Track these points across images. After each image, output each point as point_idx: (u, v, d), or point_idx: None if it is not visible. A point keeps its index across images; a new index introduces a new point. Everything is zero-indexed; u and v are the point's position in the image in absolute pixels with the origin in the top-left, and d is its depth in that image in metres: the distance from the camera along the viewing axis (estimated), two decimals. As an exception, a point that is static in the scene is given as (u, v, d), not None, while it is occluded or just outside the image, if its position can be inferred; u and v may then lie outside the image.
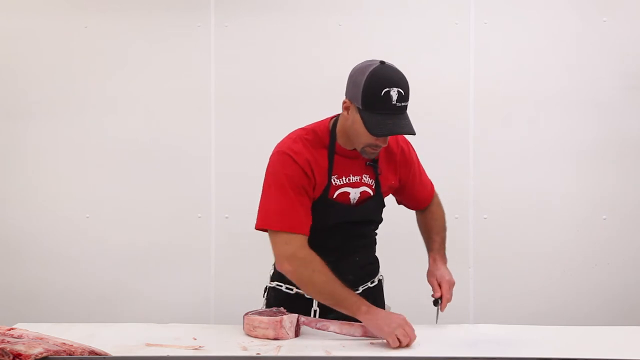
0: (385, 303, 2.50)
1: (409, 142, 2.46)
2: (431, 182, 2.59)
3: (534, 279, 3.58)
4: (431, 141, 3.57)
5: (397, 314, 2.14)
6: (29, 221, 3.68)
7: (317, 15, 3.59)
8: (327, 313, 2.28)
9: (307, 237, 2.17)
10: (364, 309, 2.11)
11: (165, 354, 1.98)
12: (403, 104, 2.10)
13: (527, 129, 3.57)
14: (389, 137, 2.19)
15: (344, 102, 2.19)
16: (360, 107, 2.12)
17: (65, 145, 3.66)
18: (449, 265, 2.47)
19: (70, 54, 3.65)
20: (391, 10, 3.58)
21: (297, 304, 2.31)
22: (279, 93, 3.58)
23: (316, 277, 2.14)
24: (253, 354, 2.00)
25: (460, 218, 3.57)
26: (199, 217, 3.63)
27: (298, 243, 2.16)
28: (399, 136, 2.40)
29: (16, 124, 3.67)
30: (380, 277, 2.50)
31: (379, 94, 2.08)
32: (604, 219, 3.57)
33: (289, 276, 2.20)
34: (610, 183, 3.56)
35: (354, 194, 2.30)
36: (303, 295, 2.31)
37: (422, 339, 2.12)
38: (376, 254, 2.51)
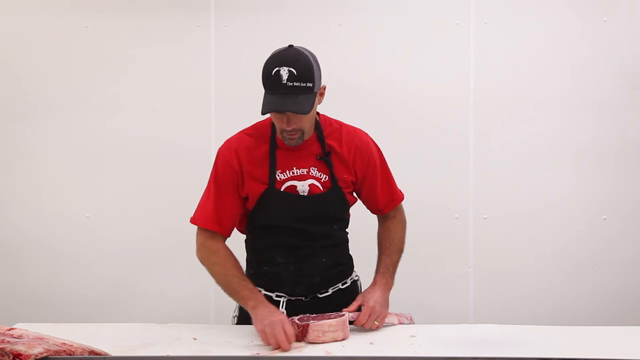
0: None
1: (371, 141, 2.37)
2: (400, 194, 2.43)
3: (534, 279, 3.58)
4: (431, 141, 3.58)
5: (279, 313, 2.13)
6: (29, 221, 3.68)
7: (317, 15, 3.59)
8: (295, 315, 2.25)
9: (218, 232, 2.26)
10: (250, 304, 2.17)
11: (165, 354, 1.98)
12: (295, 83, 2.07)
13: (527, 129, 3.57)
14: (291, 120, 2.13)
15: None
16: (264, 90, 2.13)
17: (65, 145, 3.66)
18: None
19: (70, 54, 3.65)
20: (391, 10, 3.58)
21: None
22: (279, 93, 3.58)
23: (215, 269, 2.26)
24: (253, 353, 2.01)
25: (460, 218, 3.57)
26: (199, 217, 3.62)
27: (207, 235, 2.27)
28: (354, 132, 2.33)
29: (16, 124, 3.67)
30: (355, 278, 2.43)
31: (270, 73, 2.09)
32: (604, 219, 3.57)
33: (201, 263, 2.31)
34: (610, 183, 3.56)
35: (302, 186, 2.25)
36: (271, 297, 2.29)
37: (422, 339, 2.12)
38: (350, 253, 2.44)
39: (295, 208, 2.26)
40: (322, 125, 2.29)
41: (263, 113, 2.11)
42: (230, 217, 2.29)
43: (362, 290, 2.35)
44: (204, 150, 3.62)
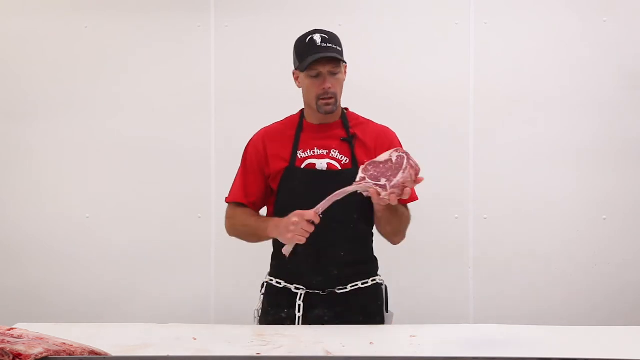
0: (390, 310, 2.43)
1: (396, 137, 2.48)
2: (411, 197, 2.37)
3: (534, 279, 3.58)
4: (431, 141, 3.58)
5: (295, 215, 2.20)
6: (29, 221, 3.68)
7: (317, 16, 3.58)
8: (311, 309, 2.32)
9: (241, 203, 2.42)
10: (270, 226, 2.28)
11: (165, 354, 1.98)
12: (329, 45, 2.30)
13: (527, 129, 3.57)
14: (327, 80, 2.30)
15: (293, 74, 2.40)
16: (297, 63, 2.35)
17: (65, 145, 3.66)
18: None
19: (70, 54, 3.65)
20: (391, 10, 3.58)
21: (283, 298, 2.35)
22: (279, 93, 3.57)
23: (239, 228, 2.43)
24: (253, 353, 2.01)
25: (460, 218, 3.57)
26: (199, 217, 3.63)
27: (232, 206, 2.46)
28: (381, 126, 2.46)
29: (16, 124, 3.67)
30: (380, 281, 2.44)
31: (305, 43, 2.32)
32: (604, 219, 3.57)
33: (230, 235, 2.47)
34: (610, 183, 3.56)
35: (320, 164, 2.36)
36: (290, 290, 2.36)
37: (422, 339, 2.12)
38: (375, 255, 2.47)
39: (313, 182, 2.33)
40: (348, 118, 2.44)
41: (303, 70, 2.30)
42: (256, 193, 2.43)
43: (387, 297, 2.43)
44: (204, 150, 3.63)
